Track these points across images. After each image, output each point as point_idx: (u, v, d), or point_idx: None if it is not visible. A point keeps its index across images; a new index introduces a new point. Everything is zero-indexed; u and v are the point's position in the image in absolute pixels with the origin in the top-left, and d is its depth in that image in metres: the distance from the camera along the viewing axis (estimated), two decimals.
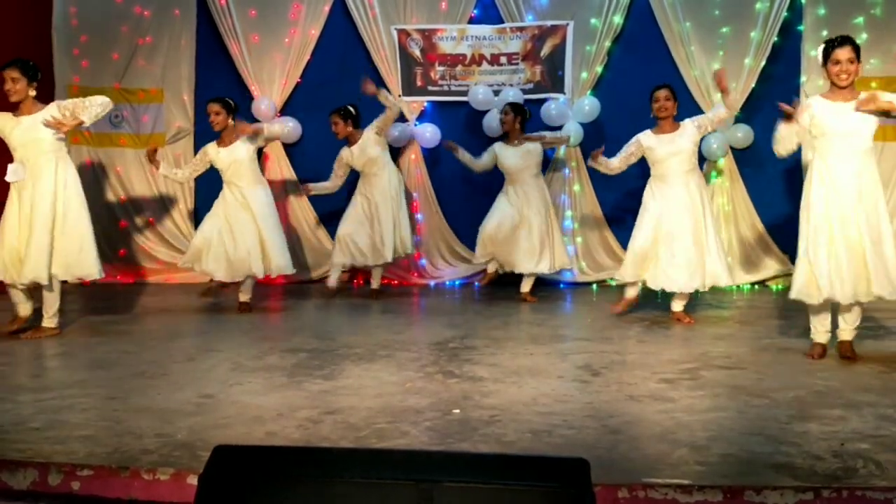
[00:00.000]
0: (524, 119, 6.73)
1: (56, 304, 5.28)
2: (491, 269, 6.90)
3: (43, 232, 5.06)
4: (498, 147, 6.75)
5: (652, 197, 5.65)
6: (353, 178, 7.07)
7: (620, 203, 7.29)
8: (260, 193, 6.19)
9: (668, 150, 5.59)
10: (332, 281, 6.99)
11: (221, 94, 6.32)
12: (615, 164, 5.82)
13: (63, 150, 5.25)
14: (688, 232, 5.53)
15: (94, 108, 5.20)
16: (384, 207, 6.82)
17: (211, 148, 6.24)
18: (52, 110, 5.16)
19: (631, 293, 5.84)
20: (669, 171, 5.61)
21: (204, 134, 7.48)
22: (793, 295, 4.49)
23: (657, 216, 5.58)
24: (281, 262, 6.28)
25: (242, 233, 6.10)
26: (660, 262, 5.57)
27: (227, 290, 6.42)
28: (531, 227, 6.62)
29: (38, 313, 5.36)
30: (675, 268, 5.53)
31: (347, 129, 6.81)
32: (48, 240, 5.08)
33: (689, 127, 5.65)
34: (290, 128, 7.67)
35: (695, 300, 6.09)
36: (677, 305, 5.81)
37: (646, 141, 5.67)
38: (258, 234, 6.13)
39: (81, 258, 5.20)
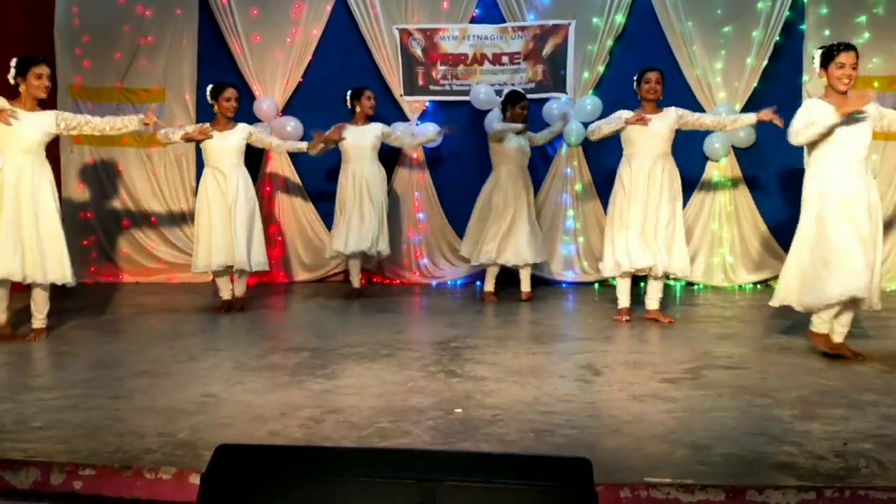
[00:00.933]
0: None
1: (47, 306, 5.20)
2: (490, 286, 6.91)
3: (22, 228, 4.99)
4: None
5: (631, 181, 5.63)
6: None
7: None
8: (241, 183, 6.19)
9: (642, 129, 5.60)
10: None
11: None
12: (605, 128, 5.79)
13: (42, 154, 5.18)
14: (665, 214, 5.59)
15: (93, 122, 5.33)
16: (367, 200, 6.83)
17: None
18: (49, 117, 5.16)
19: (626, 299, 5.81)
20: (641, 151, 5.63)
21: None
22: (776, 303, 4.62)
23: (642, 200, 5.58)
24: (257, 258, 6.28)
25: (223, 222, 6.13)
26: (657, 245, 5.58)
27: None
28: (525, 216, 6.70)
29: (18, 315, 5.35)
30: (671, 251, 5.58)
31: (374, 109, 6.98)
32: (26, 236, 5.00)
33: (672, 113, 5.68)
34: (291, 126, 7.69)
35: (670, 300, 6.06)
36: (655, 302, 5.76)
37: (625, 116, 5.66)
38: (236, 225, 6.12)
39: (58, 262, 5.10)
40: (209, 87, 6.31)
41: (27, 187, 5.03)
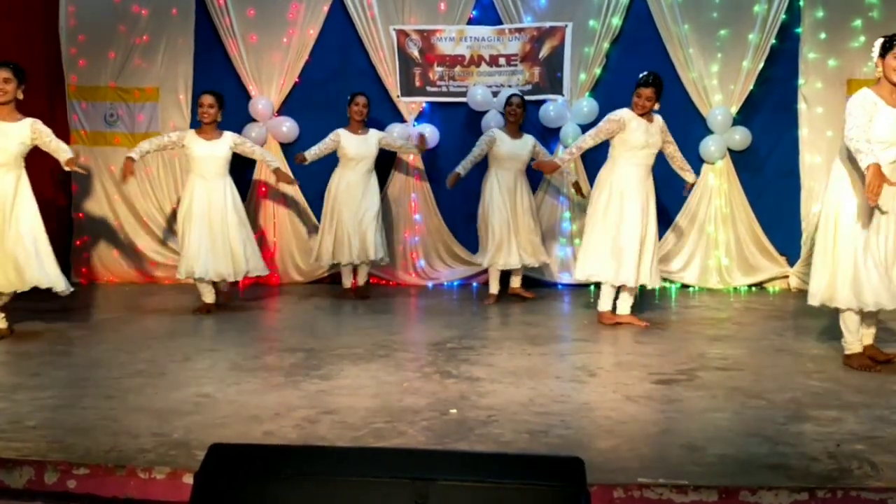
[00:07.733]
0: (525, 116, 6.88)
1: None
2: (495, 289, 6.85)
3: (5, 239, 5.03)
4: (497, 133, 6.80)
5: (630, 188, 5.53)
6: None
7: None
8: (228, 192, 6.18)
9: (644, 138, 5.54)
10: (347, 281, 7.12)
11: (220, 93, 6.33)
12: (588, 142, 5.69)
13: (22, 164, 5.18)
14: (652, 227, 5.62)
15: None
16: (372, 209, 6.87)
17: (190, 134, 6.24)
18: (25, 127, 5.12)
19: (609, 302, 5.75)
20: (636, 159, 5.55)
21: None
22: (817, 301, 4.34)
23: (640, 211, 5.52)
24: (255, 264, 6.30)
25: (214, 232, 6.11)
26: (641, 257, 5.53)
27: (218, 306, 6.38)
28: (524, 219, 6.79)
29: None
30: (649, 263, 5.57)
31: (367, 116, 6.94)
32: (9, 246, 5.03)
33: (663, 125, 5.66)
34: (287, 127, 7.71)
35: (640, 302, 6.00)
36: (628, 307, 5.70)
37: (629, 119, 5.55)
38: (231, 236, 6.14)
39: (42, 266, 5.13)
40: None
41: (5, 194, 5.05)
